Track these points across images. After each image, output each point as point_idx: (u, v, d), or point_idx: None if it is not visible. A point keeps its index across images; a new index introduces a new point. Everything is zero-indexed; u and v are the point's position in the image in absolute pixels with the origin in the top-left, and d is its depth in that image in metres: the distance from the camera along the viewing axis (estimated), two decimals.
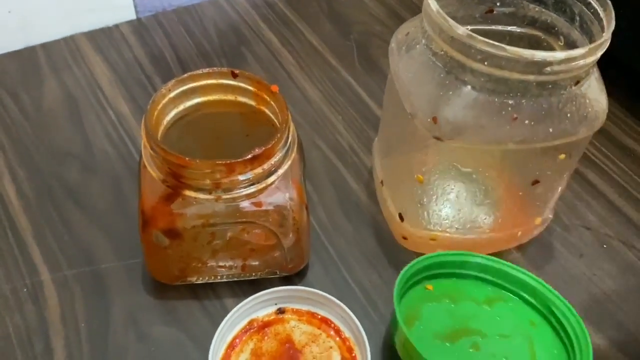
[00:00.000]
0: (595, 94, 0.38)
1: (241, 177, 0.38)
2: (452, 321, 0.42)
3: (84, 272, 0.45)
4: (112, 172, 0.52)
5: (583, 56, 0.34)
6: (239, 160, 0.38)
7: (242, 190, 0.39)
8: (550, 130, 0.37)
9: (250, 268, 0.44)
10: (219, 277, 0.44)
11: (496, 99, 0.36)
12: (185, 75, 0.42)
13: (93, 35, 0.63)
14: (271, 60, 0.62)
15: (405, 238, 0.46)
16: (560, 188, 0.44)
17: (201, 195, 0.39)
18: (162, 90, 0.41)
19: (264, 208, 0.40)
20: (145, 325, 0.43)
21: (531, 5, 0.43)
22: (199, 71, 0.43)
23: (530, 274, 0.43)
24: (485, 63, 0.35)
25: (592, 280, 0.47)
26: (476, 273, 0.44)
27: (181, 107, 0.43)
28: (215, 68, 0.43)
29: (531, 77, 0.35)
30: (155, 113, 0.41)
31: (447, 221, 0.44)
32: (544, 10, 0.42)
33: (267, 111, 0.43)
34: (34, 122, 0.55)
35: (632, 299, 0.46)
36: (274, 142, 0.39)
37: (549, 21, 0.42)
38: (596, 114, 0.38)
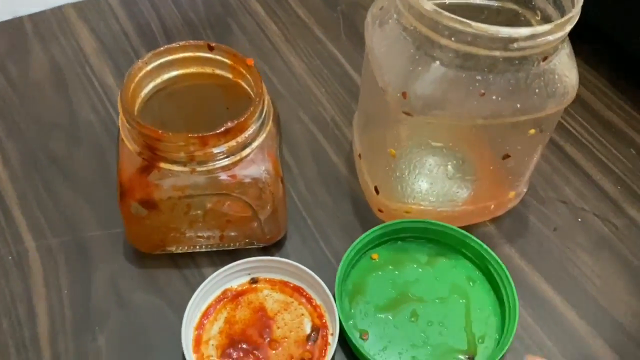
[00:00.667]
0: (565, 70, 0.39)
1: (215, 150, 0.39)
2: (394, 290, 0.44)
3: (67, 241, 0.47)
4: (96, 142, 0.53)
5: (549, 32, 0.35)
6: (212, 133, 0.38)
7: (217, 162, 0.40)
8: (518, 105, 0.38)
9: (228, 239, 0.45)
10: (197, 247, 0.45)
11: (464, 75, 0.37)
12: (162, 48, 0.43)
13: (81, 6, 0.63)
14: (257, 32, 0.62)
15: (380, 211, 0.47)
16: (532, 162, 0.44)
17: (176, 168, 0.40)
18: (138, 64, 0.42)
19: (239, 180, 0.41)
20: (126, 292, 0.44)
21: None
22: (176, 44, 0.43)
23: (469, 235, 0.45)
24: (453, 39, 0.35)
25: (565, 253, 0.48)
26: (420, 234, 0.46)
27: (159, 80, 0.44)
28: (191, 41, 0.43)
29: (497, 53, 0.35)
30: (132, 86, 0.41)
31: (420, 194, 0.45)
32: None
33: (243, 84, 0.44)
34: (21, 93, 0.56)
35: (604, 273, 0.47)
36: (247, 115, 0.39)
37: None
38: (565, 89, 0.39)
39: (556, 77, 0.38)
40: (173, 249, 0.45)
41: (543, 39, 0.35)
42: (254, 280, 0.44)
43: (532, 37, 0.34)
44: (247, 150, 0.41)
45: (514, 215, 0.49)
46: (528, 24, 0.43)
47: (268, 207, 0.43)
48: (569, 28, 0.36)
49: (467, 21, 0.34)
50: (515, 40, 0.34)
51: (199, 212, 0.43)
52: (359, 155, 0.49)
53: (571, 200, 0.51)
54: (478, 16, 0.45)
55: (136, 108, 0.42)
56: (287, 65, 0.60)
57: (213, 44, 0.43)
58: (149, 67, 0.43)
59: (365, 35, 0.43)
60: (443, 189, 0.44)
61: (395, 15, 0.39)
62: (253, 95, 0.42)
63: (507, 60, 0.36)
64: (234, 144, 0.40)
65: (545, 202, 0.50)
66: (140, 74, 0.42)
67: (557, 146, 0.54)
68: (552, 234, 0.49)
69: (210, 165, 0.40)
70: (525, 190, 0.48)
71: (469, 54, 0.36)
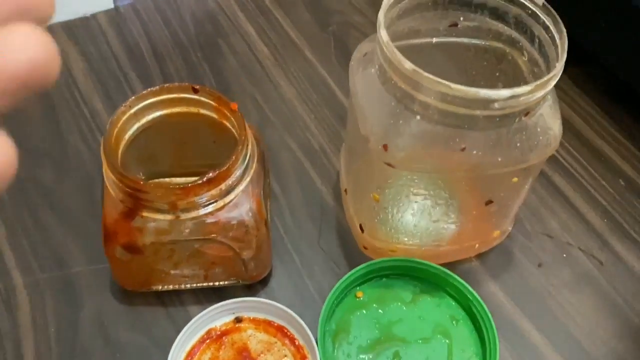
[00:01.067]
0: (547, 122, 0.38)
1: (198, 199, 0.39)
2: (377, 330, 0.44)
3: (55, 277, 0.47)
4: (85, 172, 0.53)
5: (530, 92, 0.34)
6: (194, 183, 0.39)
7: (200, 210, 0.40)
8: (500, 159, 0.38)
9: (212, 277, 0.46)
10: (183, 285, 0.46)
11: (444, 130, 0.37)
12: (145, 91, 0.43)
13: (69, 25, 0.63)
14: (247, 53, 0.62)
15: (365, 248, 0.47)
16: (517, 204, 0.44)
17: (159, 216, 0.40)
18: (121, 109, 0.42)
19: (222, 225, 0.41)
20: (113, 331, 0.45)
21: (494, 22, 0.42)
22: (159, 87, 0.43)
23: (452, 274, 0.45)
24: (432, 97, 0.35)
25: (548, 291, 0.48)
26: (405, 272, 0.47)
27: (143, 120, 0.44)
28: (175, 83, 0.43)
29: (477, 112, 0.35)
30: (115, 132, 0.41)
31: (404, 235, 0.45)
32: (506, 27, 0.42)
33: (228, 125, 0.44)
34: (8, 118, 0.56)
35: (588, 312, 0.47)
36: (229, 163, 0.40)
37: (512, 36, 0.42)
38: (548, 140, 0.39)
39: (538, 129, 0.38)
40: (159, 287, 0.46)
41: (524, 98, 0.35)
42: (238, 320, 0.45)
43: (513, 98, 0.34)
44: (231, 196, 0.41)
45: (499, 250, 0.50)
46: (515, 64, 0.43)
47: (252, 249, 0.43)
48: (551, 85, 0.35)
49: (446, 83, 0.34)
50: (495, 101, 0.34)
51: (182, 255, 0.43)
52: (345, 191, 0.49)
53: (557, 234, 0.51)
54: (465, 53, 0.45)
55: (120, 150, 0.42)
56: (276, 89, 0.59)
57: (197, 86, 0.43)
58: (132, 111, 0.43)
59: (349, 79, 0.42)
60: (427, 231, 0.45)
61: (377, 66, 0.38)
62: (237, 137, 0.42)
63: (487, 118, 0.36)
64: (217, 191, 0.40)
65: (531, 236, 0.51)
66: (124, 118, 0.42)
67: (545, 176, 0.54)
68: (537, 270, 0.49)
69: (194, 213, 0.40)
70: (510, 228, 0.48)
71: (449, 111, 0.35)
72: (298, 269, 0.48)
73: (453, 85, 0.34)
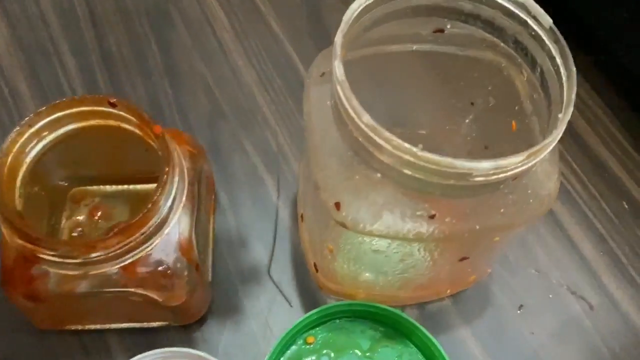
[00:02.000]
0: (541, 180, 0.31)
1: (107, 253, 0.32)
2: None
3: None
4: None
5: (520, 163, 0.26)
6: (98, 239, 0.32)
7: (112, 263, 0.33)
8: (477, 227, 0.30)
9: (139, 319, 0.39)
10: (106, 326, 0.40)
11: (410, 196, 0.29)
12: (48, 106, 0.35)
13: None
14: (202, 23, 0.53)
15: (321, 288, 0.41)
16: (498, 254, 0.38)
17: (63, 271, 0.33)
18: (16, 129, 0.34)
19: (140, 277, 0.34)
20: None
21: (489, 37, 0.33)
22: (68, 99, 0.35)
23: (419, 325, 0.39)
24: (394, 160, 0.27)
25: (527, 340, 0.42)
26: (365, 316, 0.40)
27: (51, 137, 0.36)
28: (87, 95, 0.35)
29: (452, 182, 0.27)
30: (8, 164, 0.33)
31: (364, 284, 0.38)
32: (502, 44, 0.33)
33: (155, 147, 0.36)
34: None
35: None
36: (143, 213, 0.32)
37: (511, 53, 0.34)
38: (540, 203, 0.31)
39: (529, 192, 0.31)
40: (77, 327, 0.40)
41: (513, 171, 0.27)
42: None
43: (497, 170, 0.26)
44: (150, 245, 0.34)
45: (476, 287, 0.43)
46: (510, 82, 0.35)
47: (180, 297, 0.36)
48: (546, 152, 0.27)
49: (412, 148, 0.26)
50: (474, 175, 0.26)
51: (96, 304, 0.36)
52: (301, 216, 0.41)
53: (544, 268, 0.44)
54: (452, 63, 0.36)
55: (21, 174, 0.35)
56: (234, 73, 0.50)
57: (114, 100, 0.35)
58: (33, 129, 0.35)
59: (303, 97, 0.34)
60: (390, 282, 0.38)
61: (332, 101, 0.30)
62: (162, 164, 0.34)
63: (465, 187, 0.28)
64: (131, 244, 0.33)
65: (514, 271, 0.44)
66: (22, 141, 0.34)
67: None
68: (517, 314, 0.43)
69: (104, 267, 0.33)
70: (489, 270, 0.41)
71: (416, 177, 0.28)
72: (242, 304, 0.42)
73: (420, 153, 0.26)
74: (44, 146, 0.36)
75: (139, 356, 0.37)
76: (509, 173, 0.27)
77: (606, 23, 0.49)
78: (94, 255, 0.32)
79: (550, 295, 0.43)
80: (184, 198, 0.35)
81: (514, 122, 0.35)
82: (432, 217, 0.30)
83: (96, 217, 0.42)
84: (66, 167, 0.41)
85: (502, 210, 0.30)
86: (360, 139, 0.28)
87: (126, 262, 0.34)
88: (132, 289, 0.35)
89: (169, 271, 0.35)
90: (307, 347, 0.40)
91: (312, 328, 0.40)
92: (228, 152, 0.47)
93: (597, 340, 0.42)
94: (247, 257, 0.43)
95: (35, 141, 0.35)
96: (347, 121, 0.28)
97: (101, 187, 0.43)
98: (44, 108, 0.35)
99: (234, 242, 0.44)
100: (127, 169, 0.42)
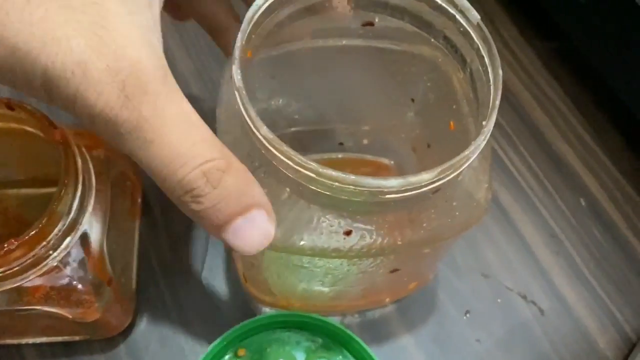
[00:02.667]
0: (469, 190, 0.28)
1: (3, 271, 0.30)
2: None
3: None
4: None
5: (433, 180, 0.24)
6: None
7: (11, 280, 0.31)
8: (399, 242, 0.28)
9: (55, 334, 0.37)
10: (22, 341, 0.37)
11: (322, 212, 0.26)
12: None
13: None
14: None
15: (255, 299, 0.38)
16: (435, 263, 0.35)
17: None
18: None
19: (45, 295, 0.32)
20: None
21: (419, 30, 0.30)
22: None
23: (356, 338, 0.36)
24: (297, 176, 0.24)
25: (473, 347, 0.40)
26: (301, 326, 0.38)
27: None
28: None
29: (362, 198, 0.24)
30: None
31: (295, 296, 0.36)
32: (432, 40, 0.30)
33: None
34: None
35: None
36: (40, 226, 0.29)
37: (444, 50, 0.31)
38: (469, 214, 0.28)
39: (454, 204, 0.28)
40: None
41: (426, 188, 0.24)
42: None
43: (408, 187, 0.24)
44: (52, 259, 0.31)
45: (422, 292, 0.41)
46: (447, 78, 0.32)
47: (94, 314, 0.34)
48: (463, 168, 0.25)
49: (310, 164, 0.23)
50: (383, 193, 0.24)
51: (7, 321, 0.34)
52: None
53: (494, 271, 0.42)
54: (387, 57, 0.33)
55: None
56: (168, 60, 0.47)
57: (13, 103, 0.32)
58: None
59: (219, 92, 0.31)
60: (323, 294, 0.35)
61: (236, 107, 0.27)
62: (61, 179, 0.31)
63: (378, 204, 0.25)
64: (30, 259, 0.30)
65: (461, 275, 0.42)
66: None
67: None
68: (463, 320, 0.40)
69: (5, 284, 0.30)
70: (432, 276, 0.39)
71: (325, 194, 0.25)
72: (170, 314, 0.39)
73: (322, 170, 0.23)
74: None
75: None
76: (424, 189, 0.24)
77: (564, 6, 0.45)
78: None
79: (499, 300, 0.41)
80: (90, 207, 0.33)
81: (452, 122, 0.32)
82: (347, 233, 0.27)
83: (12, 222, 0.39)
84: None
85: (424, 225, 0.27)
86: (263, 152, 0.25)
87: (30, 278, 0.31)
88: (39, 307, 0.32)
89: (78, 287, 0.32)
90: None
91: (244, 339, 0.38)
92: None
93: (546, 347, 0.40)
94: (177, 264, 0.40)
95: None
96: (249, 132, 0.25)
97: (17, 190, 0.40)
98: None
99: (164, 248, 0.41)
100: (43, 172, 0.39)
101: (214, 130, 0.26)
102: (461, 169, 0.24)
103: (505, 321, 0.40)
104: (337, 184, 0.23)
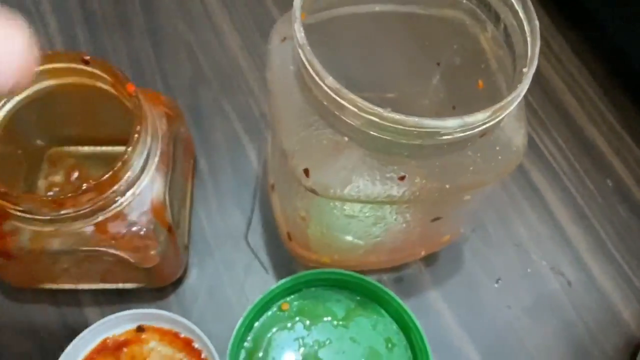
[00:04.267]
0: (509, 136, 0.30)
1: (78, 211, 0.32)
2: (301, 354, 0.39)
3: None
4: None
5: (487, 120, 0.26)
6: (67, 196, 0.31)
7: (83, 221, 0.33)
8: (447, 186, 0.30)
9: (111, 280, 0.39)
10: (79, 286, 0.40)
11: (378, 158, 0.29)
12: None
13: None
14: None
15: (295, 256, 0.41)
16: (471, 213, 0.37)
17: (33, 227, 0.33)
18: None
19: (112, 237, 0.34)
20: None
21: None
22: (41, 54, 0.34)
23: (394, 296, 0.38)
24: (360, 122, 0.27)
25: (502, 312, 0.42)
26: (339, 285, 0.40)
27: (25, 94, 0.35)
28: (60, 50, 0.35)
29: (419, 142, 0.27)
30: None
31: (338, 251, 0.38)
32: (465, 1, 0.32)
33: (130, 106, 0.35)
34: None
35: (545, 343, 0.41)
36: (112, 171, 0.32)
37: (474, 11, 0.33)
38: (508, 159, 0.31)
39: (497, 148, 0.30)
40: (51, 286, 0.39)
41: (480, 128, 0.26)
42: (141, 329, 0.39)
43: (464, 127, 0.26)
44: (120, 204, 0.33)
45: (455, 258, 0.43)
46: (475, 40, 0.34)
47: (153, 259, 0.36)
48: (512, 107, 0.27)
49: (377, 109, 0.25)
50: (441, 134, 0.26)
51: (69, 262, 0.36)
52: (272, 186, 0.41)
53: (524, 242, 0.44)
54: (415, 23, 0.35)
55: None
56: (218, 37, 0.50)
57: (88, 57, 0.34)
58: None
59: (267, 65, 0.33)
60: (364, 247, 0.37)
61: (294, 67, 0.29)
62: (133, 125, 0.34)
63: (432, 147, 0.27)
64: (102, 201, 0.32)
65: (493, 245, 0.44)
66: None
67: (520, 169, 0.46)
68: (494, 288, 0.42)
69: (76, 225, 0.33)
70: (463, 230, 0.41)
71: (384, 138, 0.27)
72: (218, 269, 0.42)
73: (386, 113, 0.25)
74: (17, 102, 0.35)
75: (112, 316, 0.37)
76: (475, 130, 0.26)
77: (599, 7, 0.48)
78: (63, 212, 0.32)
79: (529, 270, 0.43)
80: (157, 159, 0.35)
81: (480, 81, 0.34)
82: (401, 178, 0.29)
83: (73, 178, 0.42)
84: (43, 127, 0.41)
85: (471, 168, 0.30)
86: (324, 103, 0.27)
87: (98, 220, 0.33)
88: (104, 249, 0.34)
89: (141, 232, 0.34)
90: (282, 313, 0.40)
91: (287, 295, 0.40)
92: (209, 117, 0.46)
93: (572, 315, 0.42)
94: (225, 223, 0.43)
95: (5, 99, 0.35)
96: (310, 85, 0.28)
97: (79, 148, 0.43)
98: None
99: (212, 208, 0.43)
100: (105, 131, 0.42)
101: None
102: (509, 110, 0.26)
103: (534, 290, 0.42)
104: (400, 126, 0.25)
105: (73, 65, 0.35)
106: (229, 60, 0.49)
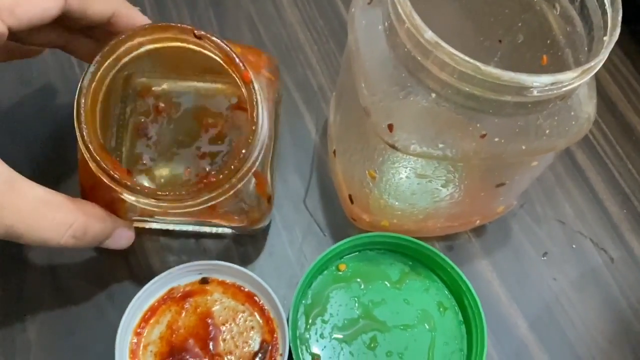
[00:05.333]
0: (582, 103, 0.32)
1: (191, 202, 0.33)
2: (357, 310, 0.41)
3: None
4: (48, 87, 0.46)
5: (575, 79, 0.28)
6: (186, 192, 0.32)
7: (193, 203, 0.33)
8: (524, 147, 0.32)
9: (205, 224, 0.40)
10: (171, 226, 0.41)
11: (464, 114, 0.30)
12: (127, 34, 0.33)
13: None
14: None
15: (354, 219, 0.42)
16: (529, 182, 0.39)
17: (145, 206, 0.33)
18: (97, 60, 0.33)
19: (218, 213, 0.35)
20: (64, 277, 0.40)
21: None
22: (149, 25, 0.34)
23: (448, 260, 0.40)
24: (455, 76, 0.28)
25: (549, 284, 0.43)
26: (395, 249, 0.42)
27: (126, 59, 0.34)
28: (173, 24, 0.35)
29: (508, 98, 0.28)
30: (89, 101, 0.33)
31: (399, 213, 0.40)
32: None
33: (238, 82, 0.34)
34: None
35: (588, 316, 0.42)
36: (230, 169, 0.32)
37: None
38: (581, 125, 0.32)
39: (572, 114, 0.32)
40: (145, 226, 0.40)
41: (567, 87, 0.28)
42: (205, 280, 0.40)
43: (553, 86, 0.28)
44: (232, 190, 0.34)
45: (504, 232, 0.45)
46: (542, 16, 0.35)
47: (252, 223, 0.37)
48: (596, 69, 0.29)
49: (476, 63, 0.27)
50: (532, 88, 0.28)
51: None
52: (334, 152, 0.43)
53: (569, 220, 0.46)
54: (479, 3, 0.37)
55: (100, 97, 0.34)
56: (278, 11, 0.51)
57: (199, 32, 0.34)
58: (113, 56, 0.33)
59: (348, 28, 0.35)
60: (426, 210, 0.39)
61: (386, 23, 0.31)
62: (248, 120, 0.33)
63: (518, 104, 0.29)
64: (214, 194, 0.33)
65: (540, 220, 0.45)
66: (102, 70, 0.33)
67: (566, 151, 0.48)
68: (540, 260, 0.44)
69: (186, 206, 0.33)
70: (515, 202, 0.43)
71: (473, 94, 0.29)
72: (278, 230, 0.43)
73: (483, 67, 0.27)
74: (121, 66, 0.34)
75: (178, 267, 0.39)
76: (562, 89, 0.28)
77: None
78: (178, 204, 0.33)
79: (574, 246, 0.45)
80: (265, 140, 0.35)
81: (544, 57, 0.36)
82: (482, 136, 0.31)
83: (160, 111, 0.40)
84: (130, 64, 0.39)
85: (547, 131, 0.31)
86: (419, 58, 0.29)
87: (205, 205, 0.34)
88: (211, 221, 0.36)
89: (245, 207, 0.36)
90: (339, 273, 0.41)
91: (344, 256, 0.42)
92: None
93: (615, 291, 0.43)
94: (284, 187, 0.44)
95: (111, 68, 0.34)
96: (405, 40, 0.29)
97: (166, 81, 0.40)
98: (123, 36, 0.33)
99: (274, 172, 0.45)
100: (193, 70, 0.40)
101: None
102: (594, 72, 0.28)
103: (579, 264, 0.44)
104: (495, 80, 0.27)
105: (182, 36, 0.34)
106: (288, 33, 0.50)
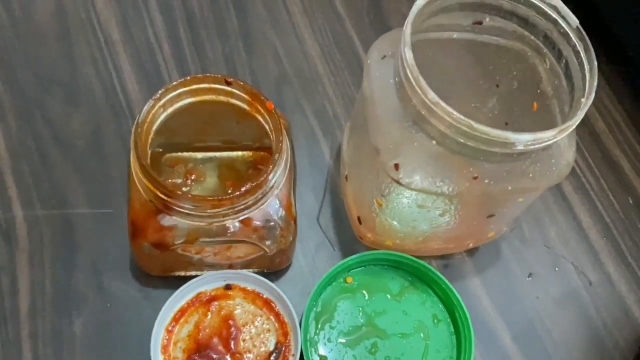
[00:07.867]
0: (562, 151, 0.37)
1: (228, 209, 0.38)
2: (361, 319, 0.46)
3: (55, 215, 0.48)
4: (94, 107, 0.52)
5: (553, 137, 0.33)
6: (228, 197, 0.37)
7: (232, 216, 0.39)
8: (510, 187, 0.37)
9: (234, 267, 0.46)
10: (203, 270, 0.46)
11: (459, 159, 0.36)
12: (175, 82, 0.39)
13: None
14: None
15: (361, 238, 0.48)
16: (517, 214, 0.44)
17: (190, 221, 0.39)
18: (150, 103, 0.39)
19: (252, 227, 0.40)
20: (107, 279, 0.46)
21: (520, 30, 0.40)
22: (189, 77, 0.40)
23: (443, 277, 0.45)
24: (452, 130, 0.34)
25: (532, 302, 0.49)
26: (397, 265, 0.47)
27: (170, 110, 0.40)
28: (208, 74, 0.40)
29: (496, 149, 0.34)
30: (145, 129, 0.38)
31: (401, 235, 0.45)
32: (532, 38, 0.39)
33: (260, 120, 0.41)
34: (22, 36, 0.54)
35: (564, 329, 0.48)
36: (263, 178, 0.38)
37: (537, 45, 0.40)
38: (560, 170, 0.38)
39: (552, 161, 0.37)
40: (181, 273, 0.46)
41: (547, 142, 0.33)
42: (228, 287, 0.46)
43: (534, 142, 0.33)
44: (264, 202, 0.39)
45: (495, 253, 0.50)
46: (534, 68, 0.41)
47: (280, 246, 0.43)
48: (572, 128, 0.34)
49: (469, 121, 0.32)
50: (516, 144, 0.33)
51: (209, 252, 0.43)
52: (346, 177, 0.48)
53: (554, 244, 0.51)
54: (484, 49, 0.42)
55: (149, 141, 0.39)
56: (300, 43, 0.57)
57: (231, 79, 0.40)
58: (161, 102, 0.39)
59: (363, 77, 0.40)
60: (425, 234, 0.45)
61: (396, 78, 0.37)
62: (270, 133, 0.39)
63: (505, 154, 0.35)
64: (251, 200, 0.38)
65: (527, 243, 0.51)
66: (153, 112, 0.39)
67: None
68: (526, 281, 0.49)
69: (226, 219, 0.39)
70: (505, 229, 0.48)
71: (467, 144, 0.34)
72: (294, 244, 0.49)
73: (475, 125, 0.33)
74: (164, 118, 0.40)
75: (206, 274, 0.44)
76: (542, 144, 0.33)
77: (631, 35, 0.55)
78: (221, 209, 0.38)
79: (557, 268, 0.50)
80: (288, 167, 0.41)
81: (535, 103, 0.41)
82: (475, 178, 0.36)
83: (189, 180, 0.47)
84: (159, 135, 0.42)
85: (530, 175, 0.37)
86: (422, 112, 0.34)
87: (245, 217, 0.39)
88: (246, 239, 0.41)
89: (275, 225, 0.41)
90: (346, 285, 0.47)
91: (351, 270, 0.47)
92: (291, 114, 0.53)
93: (592, 310, 0.49)
94: (301, 205, 0.50)
95: (159, 113, 0.39)
96: (411, 97, 0.35)
97: (192, 154, 0.47)
98: (172, 84, 0.39)
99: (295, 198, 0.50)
100: (213, 138, 0.47)
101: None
102: (569, 131, 0.33)
103: (561, 285, 0.49)
104: (485, 136, 0.33)
105: (214, 85, 0.40)
106: (308, 64, 0.56)
